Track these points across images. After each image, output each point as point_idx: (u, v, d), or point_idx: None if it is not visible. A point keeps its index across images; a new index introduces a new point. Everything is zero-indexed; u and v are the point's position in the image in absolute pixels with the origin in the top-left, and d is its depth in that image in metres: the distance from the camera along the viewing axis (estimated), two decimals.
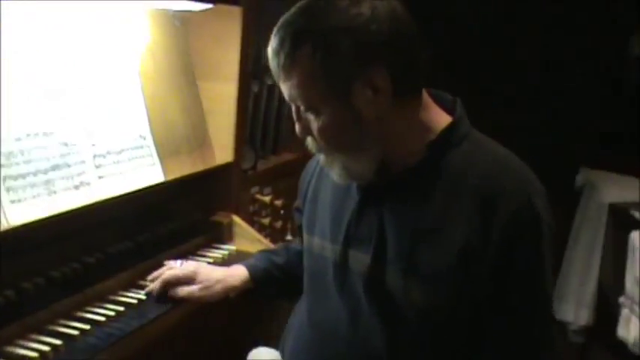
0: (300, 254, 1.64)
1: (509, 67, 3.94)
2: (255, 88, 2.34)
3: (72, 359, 1.40)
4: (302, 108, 1.30)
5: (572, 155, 3.83)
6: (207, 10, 2.03)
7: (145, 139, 1.87)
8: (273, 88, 2.39)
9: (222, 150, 2.15)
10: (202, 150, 2.10)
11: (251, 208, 2.34)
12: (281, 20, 1.28)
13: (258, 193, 2.36)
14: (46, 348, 1.40)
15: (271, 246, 2.10)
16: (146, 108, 1.89)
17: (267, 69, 2.34)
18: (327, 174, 1.44)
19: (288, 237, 2.48)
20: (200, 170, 2.01)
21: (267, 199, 2.33)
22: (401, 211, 1.31)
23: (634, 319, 2.50)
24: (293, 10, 1.28)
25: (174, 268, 1.74)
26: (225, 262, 1.98)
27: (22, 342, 1.42)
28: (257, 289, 1.73)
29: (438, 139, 1.31)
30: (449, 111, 1.35)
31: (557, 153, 3.80)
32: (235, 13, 2.06)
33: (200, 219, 2.09)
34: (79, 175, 1.63)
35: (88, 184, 1.65)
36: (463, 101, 1.38)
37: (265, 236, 2.25)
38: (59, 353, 1.41)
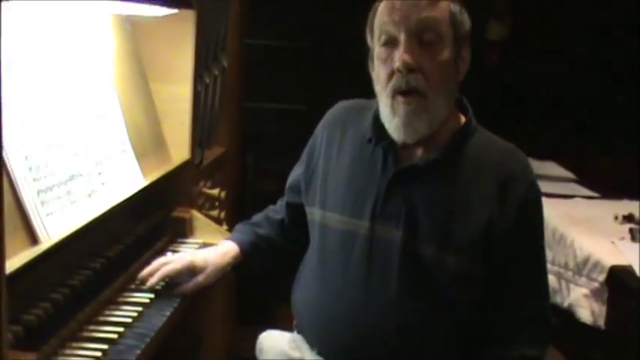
0: (280, 224, 1.86)
1: None
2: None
3: None
4: (427, 38, 1.48)
5: None
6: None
7: (125, 143, 1.92)
8: (208, 86, 2.48)
9: (178, 148, 2.23)
10: (161, 150, 2.17)
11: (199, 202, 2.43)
12: None
13: (203, 186, 2.45)
14: (97, 354, 1.46)
15: (230, 234, 2.23)
16: (122, 112, 1.94)
17: (206, 68, 2.45)
18: (337, 155, 1.63)
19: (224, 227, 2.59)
20: (169, 170, 2.08)
21: (215, 192, 2.43)
22: (431, 191, 1.54)
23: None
24: None
25: (171, 261, 1.80)
26: None
27: (68, 351, 1.46)
28: (245, 261, 1.86)
29: (460, 130, 1.56)
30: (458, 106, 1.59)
31: None
32: (189, 16, 2.13)
33: (165, 218, 2.17)
34: (89, 183, 1.67)
35: (96, 192, 1.70)
36: None
37: None
38: (109, 357, 1.47)
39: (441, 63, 1.50)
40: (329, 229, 1.64)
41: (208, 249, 1.89)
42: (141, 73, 2.16)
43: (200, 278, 1.78)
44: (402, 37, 1.48)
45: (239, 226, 1.93)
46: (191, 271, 1.78)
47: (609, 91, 4.89)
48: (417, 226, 1.53)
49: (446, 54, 1.50)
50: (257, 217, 1.97)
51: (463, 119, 1.61)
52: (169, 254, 1.87)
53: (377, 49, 1.54)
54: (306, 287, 1.72)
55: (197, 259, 1.80)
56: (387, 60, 1.51)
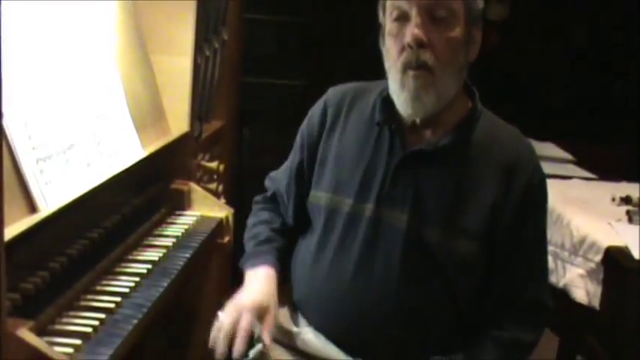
0: (283, 232, 1.77)
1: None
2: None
3: (118, 332, 1.47)
4: (439, 14, 1.47)
5: None
6: None
7: (124, 114, 1.91)
8: (208, 59, 2.47)
9: (177, 121, 2.22)
10: (161, 122, 2.17)
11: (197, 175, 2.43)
12: None
13: (202, 159, 2.45)
14: (94, 322, 1.46)
15: (228, 208, 2.24)
16: (122, 83, 1.93)
17: (207, 41, 2.44)
18: (340, 137, 1.62)
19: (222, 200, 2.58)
20: (169, 142, 2.08)
21: (213, 165, 2.43)
22: (438, 176, 1.54)
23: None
24: None
25: (236, 319, 1.54)
26: (195, 227, 2.10)
27: (65, 320, 1.46)
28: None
29: (468, 115, 1.57)
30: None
31: None
32: None
33: (163, 189, 2.16)
34: (88, 153, 1.67)
35: (95, 162, 1.69)
36: None
37: None
38: (106, 326, 1.48)
39: (451, 40, 1.49)
40: (334, 212, 1.62)
41: (250, 282, 1.66)
42: (141, 44, 2.15)
43: (271, 316, 1.58)
44: (413, 13, 1.47)
45: (257, 248, 1.73)
46: (259, 313, 1.57)
47: (609, 75, 4.90)
48: (423, 210, 1.53)
49: (457, 32, 1.49)
50: (264, 231, 1.77)
51: (470, 104, 1.60)
52: (220, 315, 1.58)
53: (388, 25, 1.53)
54: (305, 265, 1.69)
55: (254, 299, 1.58)
56: (399, 35, 1.50)
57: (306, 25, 4.15)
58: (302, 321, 1.67)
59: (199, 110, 2.38)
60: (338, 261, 1.60)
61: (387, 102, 1.59)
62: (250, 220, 1.84)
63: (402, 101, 1.52)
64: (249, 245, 1.77)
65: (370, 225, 1.57)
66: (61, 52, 1.70)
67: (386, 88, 1.59)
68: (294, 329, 1.66)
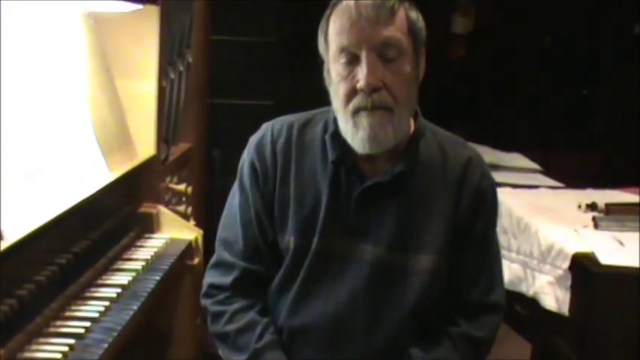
0: (262, 313, 1.63)
1: None
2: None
3: (89, 357, 1.47)
4: (390, 55, 1.45)
5: None
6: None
7: (90, 139, 1.92)
8: (174, 82, 2.49)
9: (144, 144, 2.23)
10: (127, 146, 2.17)
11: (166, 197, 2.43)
12: None
13: (170, 182, 2.46)
14: (64, 348, 1.46)
15: (198, 229, 2.25)
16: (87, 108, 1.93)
17: (171, 64, 2.45)
18: (296, 177, 1.58)
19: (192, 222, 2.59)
20: (135, 166, 2.08)
21: (182, 187, 2.44)
22: (396, 201, 1.55)
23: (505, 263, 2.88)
24: None
25: None
26: (164, 249, 2.10)
27: (34, 347, 1.46)
28: None
29: (415, 135, 1.58)
30: None
31: None
32: (153, 11, 2.14)
33: (131, 213, 2.17)
34: (54, 178, 1.67)
35: (62, 187, 1.70)
36: None
37: None
38: (76, 352, 1.47)
39: (405, 77, 1.47)
40: (301, 252, 1.58)
41: None
42: (106, 69, 2.16)
43: None
44: (363, 55, 1.43)
45: (257, 346, 1.59)
46: None
47: (575, 84, 4.98)
48: (386, 237, 1.54)
49: (408, 67, 1.48)
50: (255, 325, 1.60)
51: (413, 121, 1.60)
52: None
53: (336, 66, 1.48)
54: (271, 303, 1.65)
55: None
56: (348, 77, 1.46)
57: (273, 44, 4.18)
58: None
59: (166, 133, 2.39)
60: (305, 297, 1.59)
61: (336, 139, 1.55)
62: (230, 328, 1.61)
63: (358, 141, 1.48)
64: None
65: (336, 260, 1.57)
66: (26, 77, 1.70)
67: (331, 123, 1.56)
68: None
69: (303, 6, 3.87)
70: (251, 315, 1.61)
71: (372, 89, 1.43)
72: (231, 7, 3.91)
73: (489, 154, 3.69)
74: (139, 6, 2.08)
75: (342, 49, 1.46)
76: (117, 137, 2.12)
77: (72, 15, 2.01)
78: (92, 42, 2.12)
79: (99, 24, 2.15)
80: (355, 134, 1.48)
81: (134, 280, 1.84)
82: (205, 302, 1.67)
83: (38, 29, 1.82)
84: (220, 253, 1.67)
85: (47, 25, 1.86)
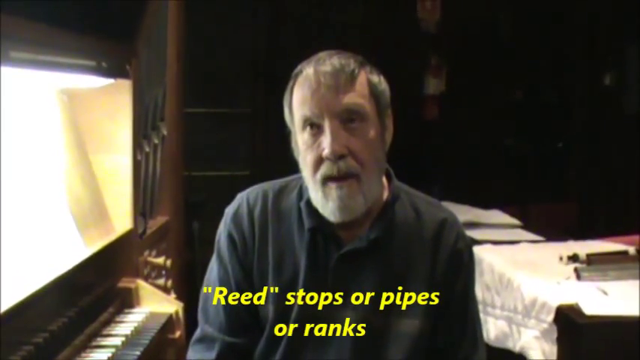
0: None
1: None
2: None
3: None
4: (353, 121, 1.44)
5: None
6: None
7: (65, 215, 1.91)
8: (149, 155, 2.49)
9: (120, 219, 2.22)
10: (104, 221, 2.16)
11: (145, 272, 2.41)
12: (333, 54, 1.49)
13: (148, 256, 2.43)
14: None
15: (178, 302, 2.22)
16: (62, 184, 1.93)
17: (145, 137, 2.46)
18: (273, 248, 1.56)
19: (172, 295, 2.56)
20: (112, 240, 2.07)
21: (160, 260, 2.41)
22: (374, 265, 1.54)
23: (489, 319, 2.87)
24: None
25: None
26: (144, 324, 2.07)
27: None
28: None
29: (389, 198, 1.57)
30: None
31: None
32: (125, 85, 2.15)
33: (109, 288, 2.14)
34: (28, 256, 1.65)
35: (36, 264, 1.68)
36: None
37: None
38: None
39: (370, 142, 1.47)
40: (281, 321, 1.56)
41: None
42: (79, 144, 2.16)
43: None
44: (326, 124, 1.44)
45: None
46: None
47: (549, 138, 5.06)
48: (368, 302, 1.53)
49: (372, 132, 1.48)
50: None
51: (387, 182, 1.60)
52: None
53: (301, 135, 1.49)
54: None
55: None
56: (314, 146, 1.46)
57: (247, 115, 4.23)
58: None
59: (143, 206, 2.38)
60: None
61: (311, 206, 1.54)
62: None
63: (328, 211, 1.48)
64: None
65: (318, 327, 1.54)
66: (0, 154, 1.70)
67: (305, 190, 1.55)
68: None
69: (277, 77, 3.94)
70: None
71: (337, 157, 1.43)
72: (205, 79, 3.96)
73: (468, 213, 3.72)
74: (111, 80, 2.09)
75: (306, 120, 1.46)
76: (92, 212, 2.10)
77: (45, 92, 2.02)
78: (66, 118, 2.12)
79: (72, 100, 2.16)
80: (325, 204, 1.48)
81: (114, 356, 1.81)
82: None
83: (12, 107, 1.82)
84: (203, 327, 1.64)
85: (21, 102, 1.87)
